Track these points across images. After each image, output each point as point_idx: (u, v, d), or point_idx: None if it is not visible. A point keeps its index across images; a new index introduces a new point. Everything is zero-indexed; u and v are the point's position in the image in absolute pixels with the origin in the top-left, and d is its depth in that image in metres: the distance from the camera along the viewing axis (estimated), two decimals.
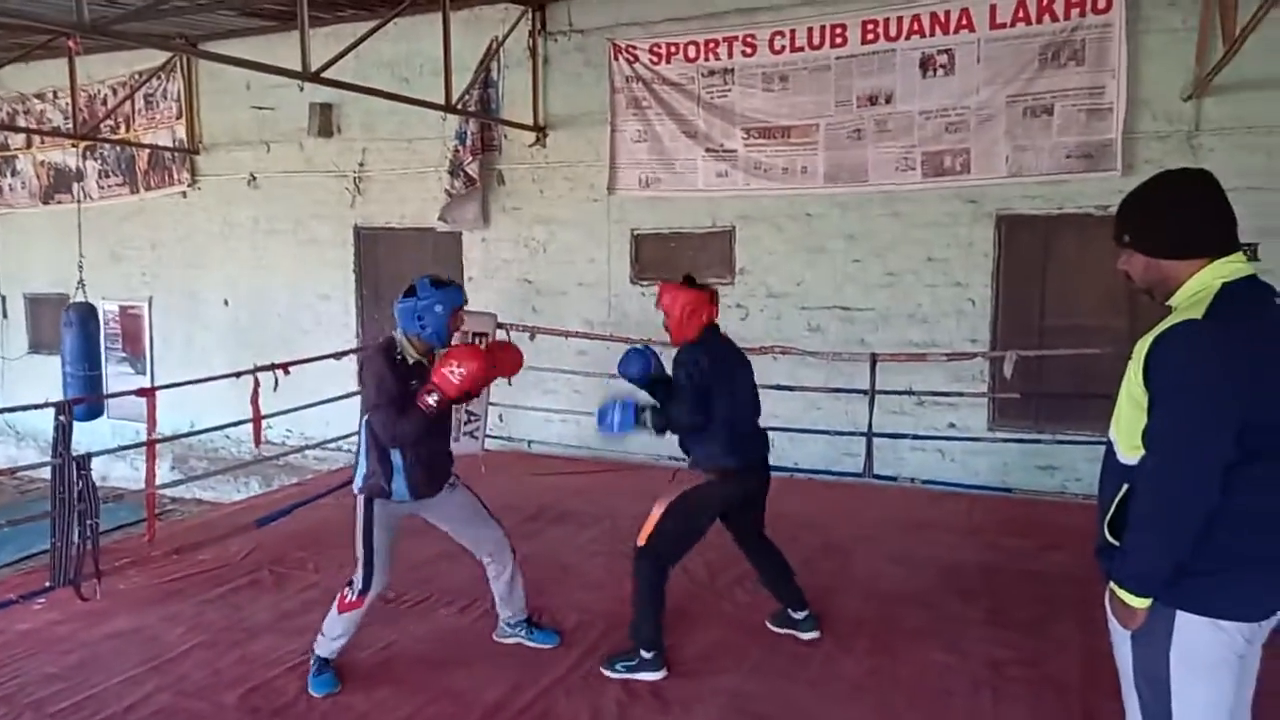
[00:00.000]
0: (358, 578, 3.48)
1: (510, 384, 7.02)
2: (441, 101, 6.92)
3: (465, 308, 3.53)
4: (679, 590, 4.40)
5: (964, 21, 6.31)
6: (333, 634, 3.53)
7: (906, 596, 4.34)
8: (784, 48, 6.92)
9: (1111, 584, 2.01)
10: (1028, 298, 6.49)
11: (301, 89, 7.88)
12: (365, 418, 3.43)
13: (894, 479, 6.45)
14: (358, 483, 3.49)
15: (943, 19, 6.37)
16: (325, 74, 5.89)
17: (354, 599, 3.49)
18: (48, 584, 4.47)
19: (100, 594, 4.42)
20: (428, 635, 4.02)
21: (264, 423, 6.10)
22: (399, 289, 3.53)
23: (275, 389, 6.10)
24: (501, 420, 7.73)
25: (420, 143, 8.24)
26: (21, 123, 10.05)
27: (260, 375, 6.01)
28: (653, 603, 3.56)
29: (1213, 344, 1.87)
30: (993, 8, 6.21)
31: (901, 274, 6.75)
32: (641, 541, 3.58)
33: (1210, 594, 1.93)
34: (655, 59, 7.33)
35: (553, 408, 7.53)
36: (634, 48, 7.37)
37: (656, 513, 3.59)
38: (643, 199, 7.50)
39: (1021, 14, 6.13)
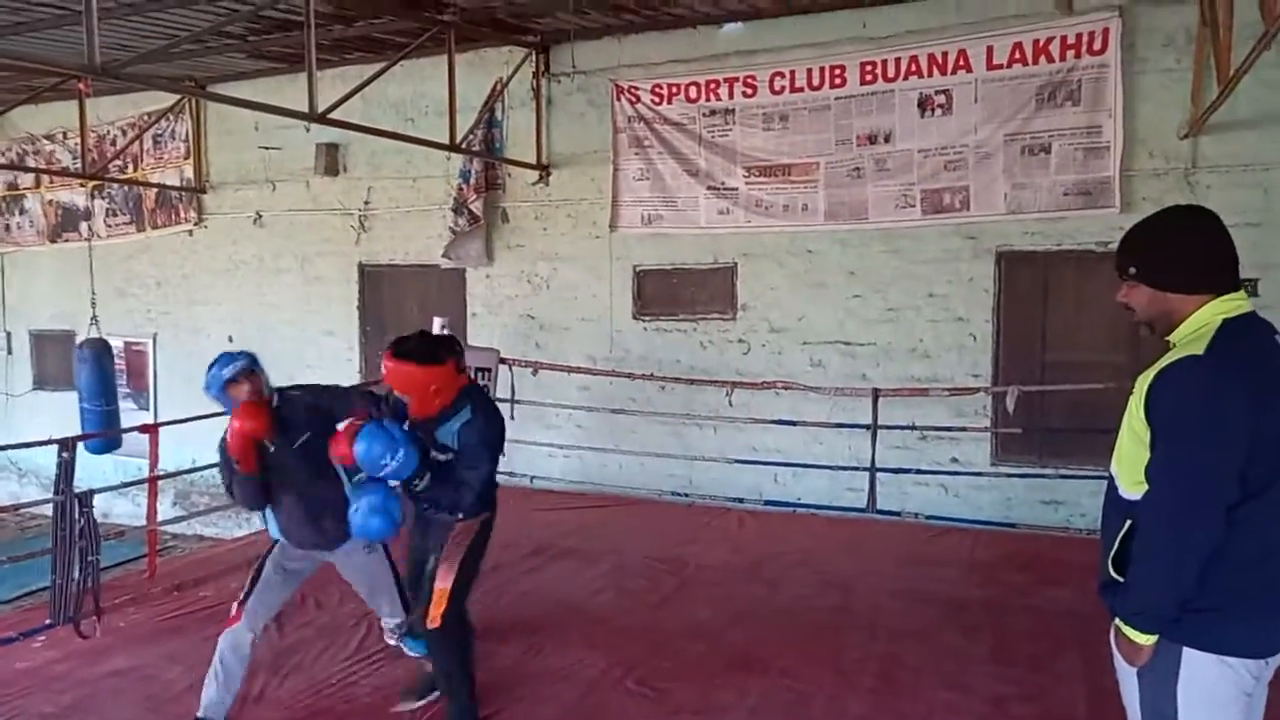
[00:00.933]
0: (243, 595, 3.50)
1: (513, 418, 7.06)
2: (446, 141, 7.02)
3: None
4: (680, 629, 4.38)
5: (961, 62, 6.40)
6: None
7: (909, 633, 4.31)
8: (784, 88, 7.01)
9: (1117, 620, 2.01)
10: (1029, 333, 6.52)
11: (308, 129, 7.99)
12: None
13: (897, 514, 6.43)
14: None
15: (940, 60, 6.47)
16: (332, 114, 5.99)
17: (234, 613, 3.45)
18: (47, 621, 4.45)
19: (100, 632, 4.40)
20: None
21: None
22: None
23: None
24: (504, 455, 7.71)
25: (425, 181, 8.33)
26: (31, 163, 10.18)
27: None
28: (466, 675, 3.39)
29: (1215, 379, 1.87)
30: (989, 49, 6.30)
31: (902, 309, 6.78)
32: (435, 622, 3.26)
33: (1217, 630, 1.91)
34: (657, 99, 7.44)
35: (555, 443, 7.53)
36: (636, 88, 7.48)
37: (444, 586, 3.27)
38: (645, 236, 7.57)
39: (1018, 55, 6.22)
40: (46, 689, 3.84)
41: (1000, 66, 6.29)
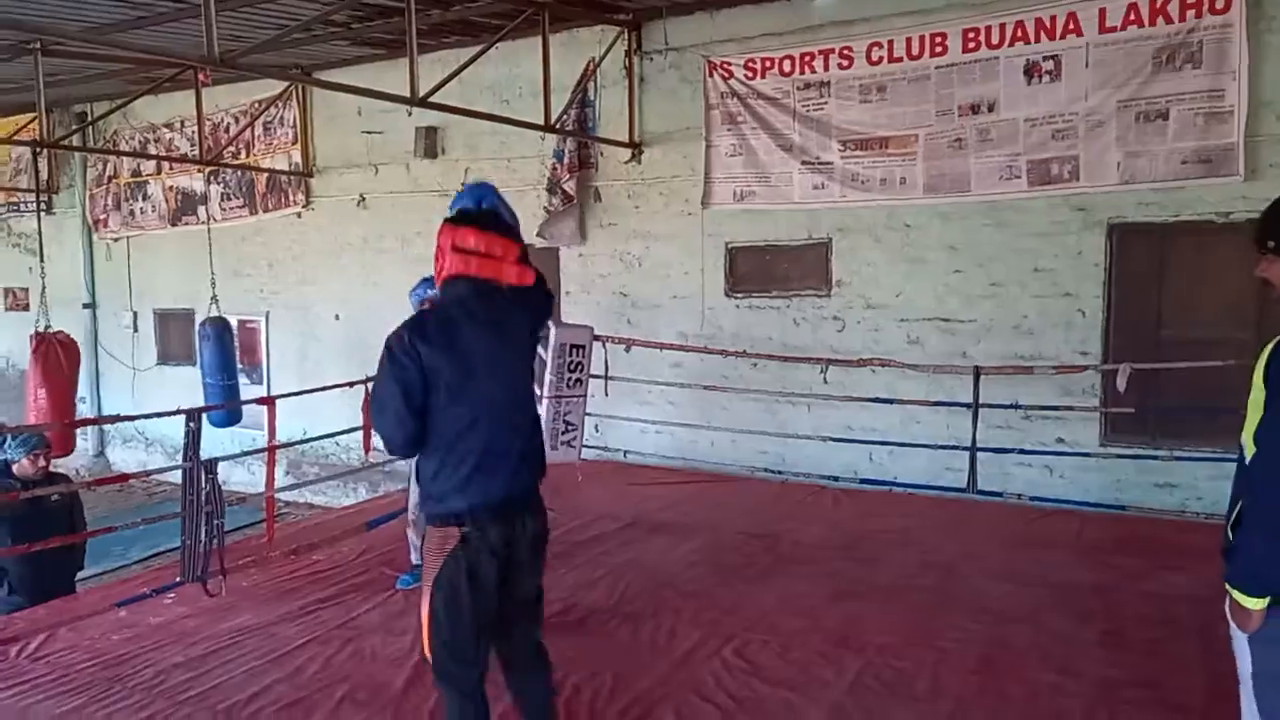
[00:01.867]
0: None
1: (607, 394, 7.15)
2: (541, 121, 7.11)
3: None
4: (776, 605, 4.39)
5: (1071, 26, 6.13)
6: None
7: (1015, 615, 4.21)
8: (881, 58, 6.85)
9: (1226, 584, 2.02)
10: (1143, 309, 6.23)
11: (410, 114, 8.19)
12: None
13: (999, 495, 6.26)
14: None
15: (1048, 24, 6.21)
16: (431, 98, 6.14)
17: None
18: (178, 579, 4.74)
19: (225, 590, 4.67)
20: None
21: (373, 433, 6.34)
22: None
23: None
24: (598, 430, 7.83)
25: (519, 161, 8.46)
26: (152, 150, 10.74)
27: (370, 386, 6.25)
28: None
29: None
30: (1102, 11, 6.01)
31: (1006, 284, 6.57)
32: (426, 652, 2.69)
33: None
34: (750, 74, 7.36)
35: (648, 419, 7.59)
36: (729, 64, 7.42)
37: (424, 609, 2.62)
38: (737, 212, 7.52)
39: (1134, 17, 5.92)
40: (178, 642, 4.10)
41: (1114, 29, 5.99)
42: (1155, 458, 5.98)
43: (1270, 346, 1.98)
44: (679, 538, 5.52)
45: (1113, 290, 6.29)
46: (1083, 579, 4.67)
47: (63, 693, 3.64)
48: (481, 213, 2.76)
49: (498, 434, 2.65)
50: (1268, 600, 1.95)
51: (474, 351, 2.63)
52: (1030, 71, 6.31)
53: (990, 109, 6.47)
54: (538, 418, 2.86)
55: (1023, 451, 6.33)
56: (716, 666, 3.74)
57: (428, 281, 3.38)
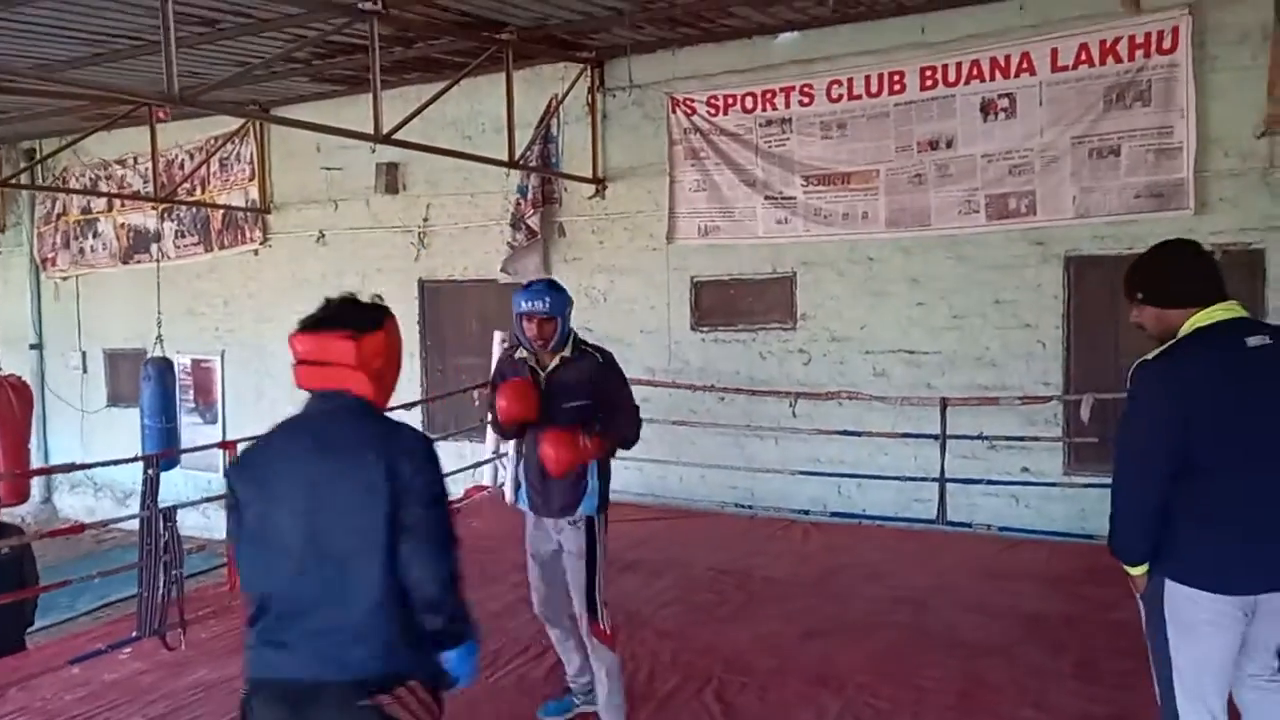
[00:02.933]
0: (602, 604, 3.46)
1: None
2: (504, 158, 7.11)
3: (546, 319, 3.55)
4: (751, 643, 4.35)
5: (1025, 65, 6.30)
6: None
7: (989, 648, 4.22)
8: (841, 96, 6.96)
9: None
10: (1101, 339, 6.36)
11: (374, 150, 8.14)
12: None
13: (968, 525, 6.30)
14: (592, 504, 3.45)
15: (1003, 63, 6.37)
16: (394, 135, 6.10)
17: (610, 628, 3.49)
18: (134, 634, 4.57)
19: (184, 644, 4.51)
20: (509, 684, 4.02)
21: None
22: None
23: None
24: None
25: (483, 197, 8.44)
26: (103, 187, 10.53)
27: None
28: None
29: (1152, 378, 2.47)
30: (1054, 50, 6.19)
31: (968, 316, 6.67)
32: None
33: (1180, 568, 2.45)
34: (713, 110, 7.44)
35: (616, 455, 7.53)
36: (691, 100, 7.49)
37: None
38: (702, 247, 7.56)
39: (1084, 56, 6.10)
40: (136, 700, 3.94)
41: (1065, 68, 6.17)
42: None
43: (1134, 365, 2.51)
44: (651, 576, 5.46)
45: (1071, 321, 6.42)
46: (1053, 610, 4.70)
47: None
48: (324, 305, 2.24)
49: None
50: (1145, 566, 2.50)
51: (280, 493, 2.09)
52: (986, 109, 6.46)
53: (949, 145, 6.60)
54: (373, 582, 2.01)
55: (989, 482, 6.40)
56: (697, 709, 3.70)
57: None
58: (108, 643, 4.55)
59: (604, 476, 3.50)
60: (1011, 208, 6.43)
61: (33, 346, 11.43)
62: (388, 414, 2.23)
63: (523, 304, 3.42)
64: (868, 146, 6.87)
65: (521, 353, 3.52)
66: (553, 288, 3.49)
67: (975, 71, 6.48)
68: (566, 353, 3.48)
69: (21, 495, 8.17)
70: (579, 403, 3.42)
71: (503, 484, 7.10)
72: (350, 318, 2.15)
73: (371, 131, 5.98)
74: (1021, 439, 6.33)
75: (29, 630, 5.23)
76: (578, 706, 3.71)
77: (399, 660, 2.03)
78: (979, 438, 6.40)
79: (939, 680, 3.90)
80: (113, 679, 4.20)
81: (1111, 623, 4.47)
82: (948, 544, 6.03)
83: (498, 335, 7.30)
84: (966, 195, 6.57)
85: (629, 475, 7.58)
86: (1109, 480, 2.45)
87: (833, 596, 5.05)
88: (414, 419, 8.54)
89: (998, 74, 6.40)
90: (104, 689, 4.10)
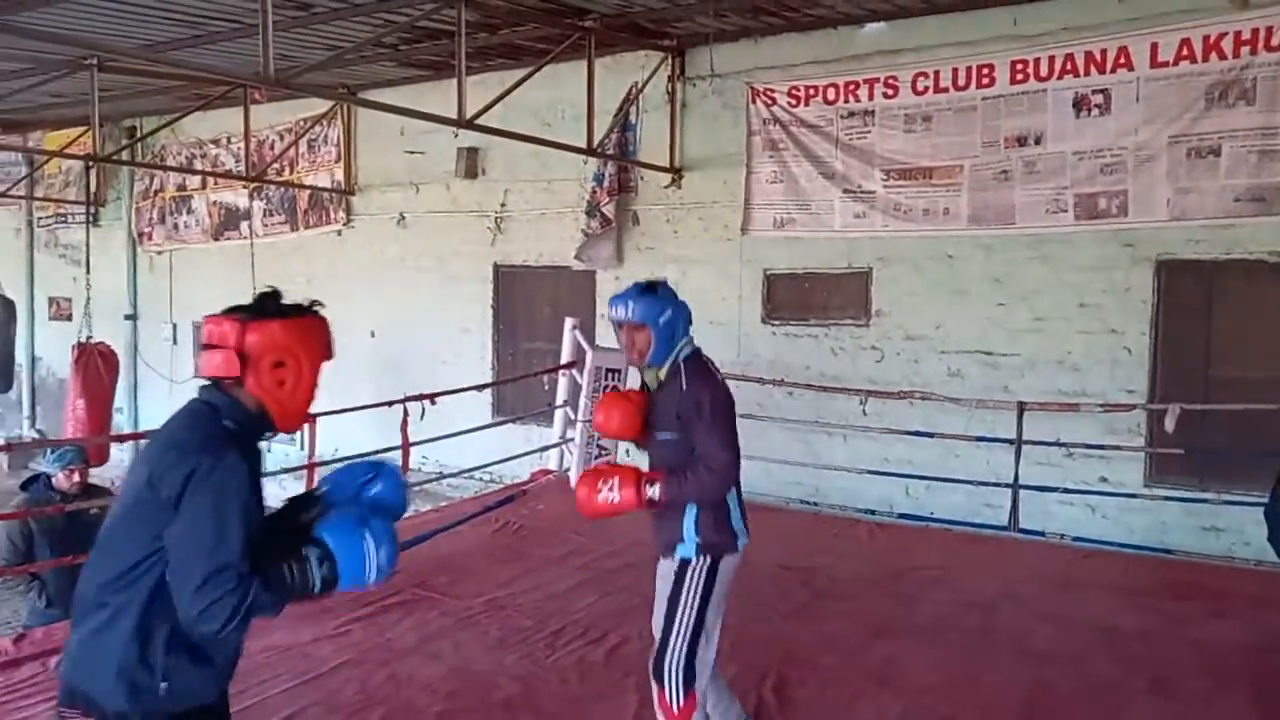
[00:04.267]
0: (675, 670, 2.85)
1: None
2: (582, 145, 7.15)
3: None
4: (814, 641, 4.32)
5: (1122, 60, 6.08)
6: None
7: (1059, 658, 4.11)
8: (927, 88, 6.82)
9: None
10: (1191, 347, 6.12)
11: (455, 135, 8.27)
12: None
13: (1041, 534, 6.14)
14: (687, 548, 2.89)
15: (1098, 58, 6.16)
16: (476, 120, 6.19)
17: (683, 702, 2.84)
18: None
19: None
20: (568, 664, 4.06)
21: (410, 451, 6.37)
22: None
23: (422, 418, 6.36)
24: (629, 455, 7.79)
25: (560, 184, 8.51)
26: (198, 165, 10.93)
27: (409, 405, 6.28)
28: None
29: None
30: (1154, 46, 5.95)
31: (1051, 319, 6.48)
32: None
33: None
34: (794, 101, 7.36)
35: None
36: (772, 90, 7.43)
37: None
38: (776, 239, 7.50)
39: (1186, 52, 5.85)
40: None
41: (1165, 64, 5.93)
42: (1202, 500, 5.85)
43: None
44: None
45: (1160, 328, 6.19)
46: (1128, 623, 4.55)
47: None
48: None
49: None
50: None
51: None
52: (1079, 104, 6.25)
53: (1037, 141, 6.41)
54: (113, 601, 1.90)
55: (1065, 490, 6.21)
56: (755, 703, 3.68)
57: None
58: None
59: (707, 515, 2.90)
60: (1101, 208, 6.22)
61: (128, 317, 11.93)
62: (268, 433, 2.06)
63: (609, 310, 3.06)
64: (952, 141, 6.72)
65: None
66: (645, 290, 3.01)
67: (1069, 66, 6.28)
68: (663, 372, 2.98)
69: (102, 457, 8.57)
70: (667, 435, 2.95)
71: (568, 469, 7.17)
72: (250, 305, 2.03)
73: (455, 116, 6.08)
74: (1101, 447, 6.14)
75: None
76: None
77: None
78: (1056, 444, 6.22)
79: (1004, 686, 3.81)
80: None
81: (1189, 639, 4.33)
82: (1019, 551, 5.88)
83: (569, 321, 7.37)
84: (1054, 194, 6.37)
85: None
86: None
87: (899, 598, 4.97)
88: (484, 401, 8.70)
89: (1093, 69, 6.19)
90: None
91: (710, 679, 3.05)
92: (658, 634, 2.94)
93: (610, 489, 2.83)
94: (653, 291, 3.01)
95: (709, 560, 2.90)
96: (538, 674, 3.97)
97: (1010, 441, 6.11)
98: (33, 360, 12.86)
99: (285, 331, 2.00)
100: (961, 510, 6.57)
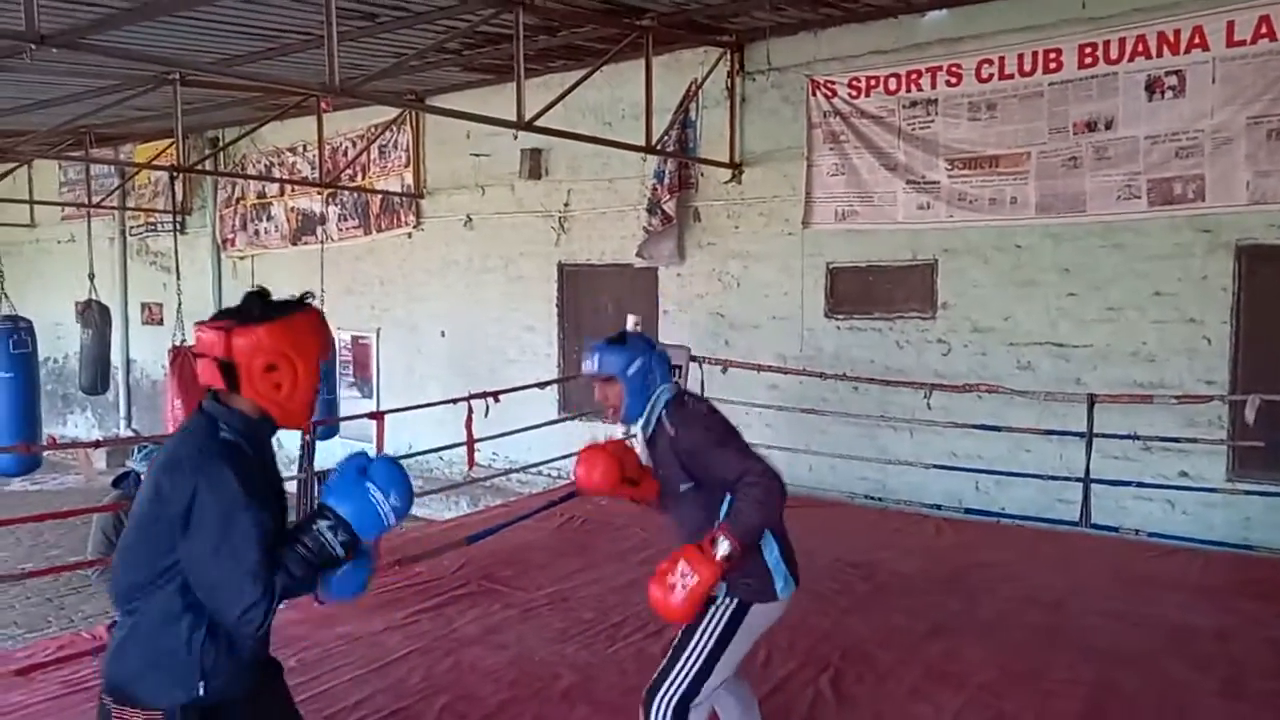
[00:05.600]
0: (664, 708, 2.65)
1: None
2: (642, 143, 7.20)
3: (658, 341, 3.08)
4: (872, 636, 4.30)
5: (1196, 40, 5.85)
6: None
7: (1126, 657, 4.01)
8: (991, 75, 6.68)
9: None
10: (1275, 336, 5.86)
11: (515, 137, 8.41)
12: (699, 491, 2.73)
13: (1115, 529, 5.97)
14: (723, 587, 2.62)
15: (1171, 39, 5.94)
16: (536, 121, 6.30)
17: None
18: None
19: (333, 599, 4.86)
20: (626, 656, 4.13)
21: (474, 446, 6.53)
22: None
23: (486, 415, 6.51)
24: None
25: (621, 182, 8.58)
26: (276, 173, 11.35)
27: (474, 402, 6.44)
28: None
29: None
30: (1230, 24, 5.71)
31: (1124, 309, 6.29)
32: None
33: None
34: (854, 93, 7.28)
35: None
36: (832, 83, 7.36)
37: None
38: (839, 232, 7.43)
39: (1265, 30, 5.60)
40: (291, 646, 4.27)
41: (1243, 43, 5.68)
42: None
43: None
44: None
45: (1241, 316, 5.94)
46: (1203, 623, 4.41)
47: None
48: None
49: None
50: None
51: None
52: (1152, 87, 6.04)
53: (1108, 126, 6.22)
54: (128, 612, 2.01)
55: (1141, 485, 6.03)
56: (811, 696, 3.70)
57: None
58: None
59: (746, 566, 2.64)
60: (1177, 193, 6.00)
61: None
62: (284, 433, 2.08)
63: (582, 364, 2.87)
64: (1018, 128, 6.57)
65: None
66: (613, 342, 2.84)
67: (1140, 48, 6.07)
68: (645, 425, 2.81)
69: None
70: (684, 488, 2.73)
71: None
72: (236, 310, 2.02)
73: (514, 119, 6.20)
74: (1179, 440, 5.93)
75: None
76: None
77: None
78: (1132, 437, 6.04)
79: (1068, 685, 3.74)
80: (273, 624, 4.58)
81: (1267, 639, 4.19)
82: (1091, 548, 5.74)
83: (630, 319, 7.44)
84: (1126, 179, 6.17)
85: None
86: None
87: (962, 594, 4.91)
88: (550, 398, 8.84)
89: (1165, 50, 5.97)
90: None
91: (748, 711, 2.94)
92: (665, 664, 2.70)
93: (684, 575, 2.51)
94: (620, 342, 2.85)
95: (735, 603, 2.66)
96: (596, 665, 4.04)
97: (1081, 435, 5.95)
98: (128, 363, 13.52)
99: (272, 334, 1.97)
100: (1033, 506, 6.43)
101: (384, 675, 3.96)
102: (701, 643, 2.64)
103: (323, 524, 1.94)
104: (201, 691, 1.95)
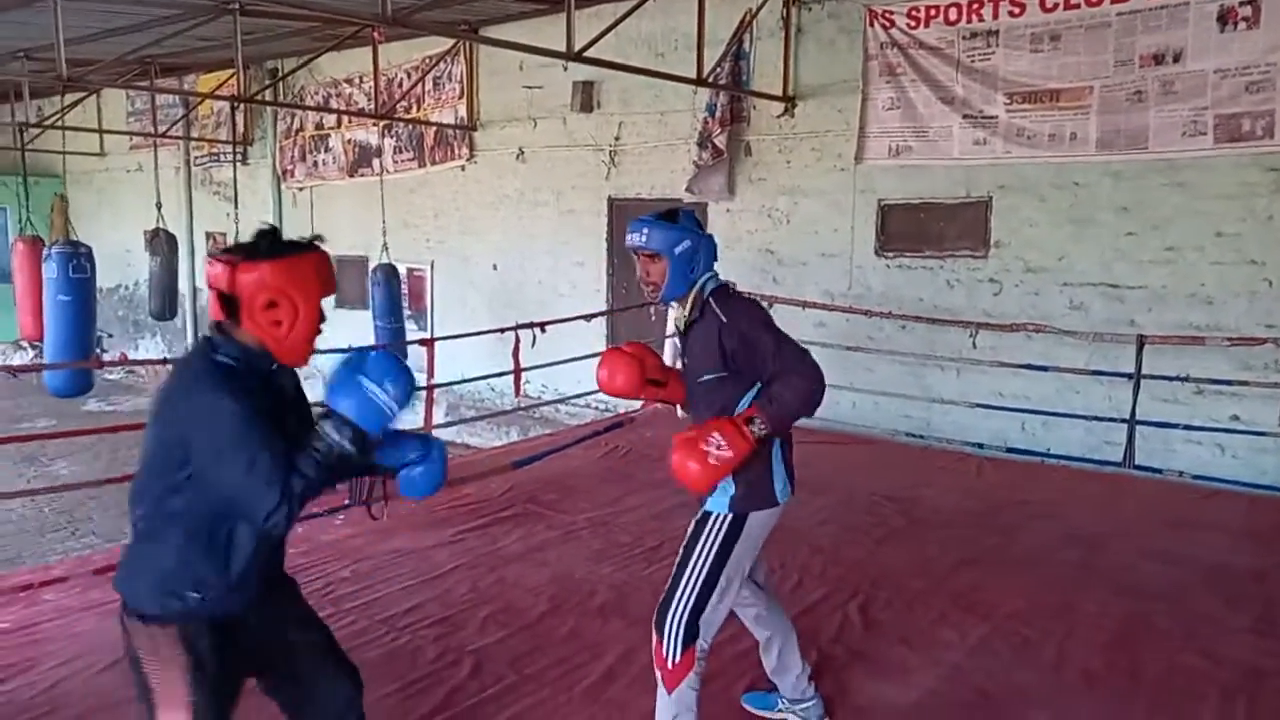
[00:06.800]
0: (676, 624, 2.63)
1: None
2: (693, 75, 7.13)
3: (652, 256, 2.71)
4: (903, 566, 4.39)
5: None
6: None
7: (1160, 594, 4.04)
8: (1057, 5, 6.46)
9: None
10: None
11: (565, 68, 8.38)
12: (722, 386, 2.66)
13: (1159, 471, 5.93)
14: (720, 501, 2.64)
15: None
16: (588, 52, 6.28)
17: (679, 658, 2.62)
18: (346, 502, 5.20)
19: (386, 516, 5.07)
20: (660, 578, 4.28)
21: (522, 376, 6.68)
22: None
23: (533, 346, 6.65)
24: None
25: (672, 115, 8.53)
26: (334, 104, 11.47)
27: (521, 332, 6.58)
28: None
29: None
30: None
31: (1183, 249, 6.14)
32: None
33: None
34: (913, 23, 7.10)
35: None
36: (891, 12, 7.18)
37: None
38: (891, 168, 7.33)
39: None
40: (346, 558, 4.53)
41: None
42: None
43: None
44: (811, 494, 5.51)
45: None
46: (1242, 563, 4.41)
47: None
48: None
49: None
50: None
51: None
52: (1224, 18, 5.79)
53: (1176, 59, 6.00)
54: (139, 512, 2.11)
55: (1188, 428, 5.96)
56: (839, 620, 3.81)
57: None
58: (325, 508, 5.22)
59: (751, 467, 2.57)
60: (1245, 129, 5.79)
61: None
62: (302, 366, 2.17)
63: (627, 236, 2.75)
64: (1082, 61, 6.36)
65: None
66: (663, 217, 2.72)
67: None
68: (687, 310, 2.73)
69: None
70: (709, 376, 2.67)
71: None
72: (243, 246, 2.06)
73: (564, 50, 6.19)
74: (1231, 383, 5.83)
75: None
76: (780, 711, 3.07)
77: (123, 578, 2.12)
78: (1181, 379, 5.95)
79: (1096, 617, 3.79)
80: (328, 540, 4.84)
81: None
82: (1135, 489, 5.71)
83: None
84: (1193, 115, 5.97)
85: None
86: None
87: (998, 530, 4.95)
88: (598, 330, 8.96)
89: None
90: (321, 546, 4.73)
91: (783, 637, 2.94)
92: (670, 582, 2.70)
93: (718, 446, 2.47)
94: (671, 219, 2.72)
95: (732, 517, 2.64)
96: (631, 584, 4.20)
97: (1129, 376, 5.88)
98: (194, 291, 13.97)
99: (275, 272, 2.00)
100: (1080, 447, 6.40)
101: (433, 586, 4.17)
102: (702, 558, 2.65)
103: (326, 424, 2.00)
104: (195, 603, 2.03)
